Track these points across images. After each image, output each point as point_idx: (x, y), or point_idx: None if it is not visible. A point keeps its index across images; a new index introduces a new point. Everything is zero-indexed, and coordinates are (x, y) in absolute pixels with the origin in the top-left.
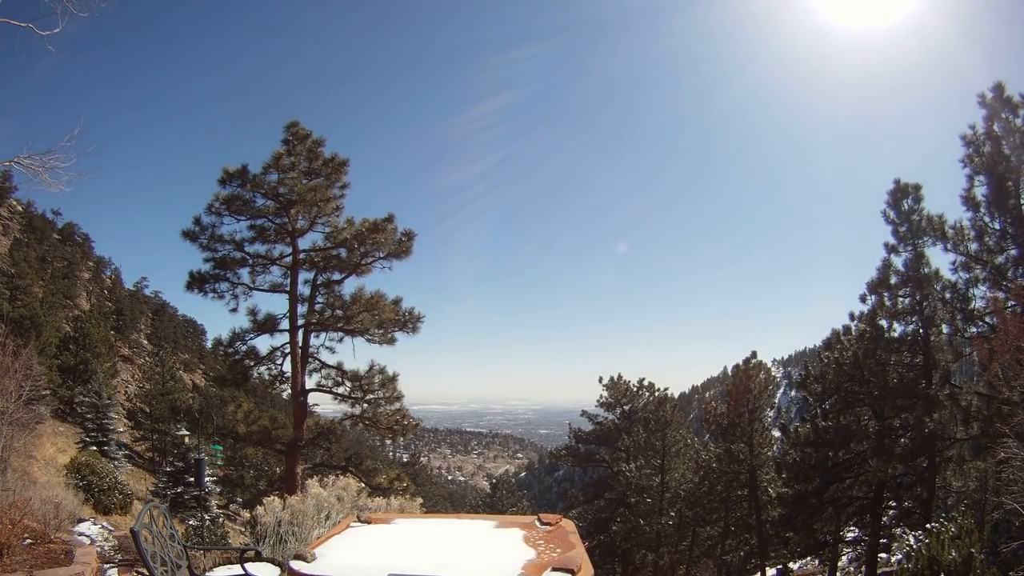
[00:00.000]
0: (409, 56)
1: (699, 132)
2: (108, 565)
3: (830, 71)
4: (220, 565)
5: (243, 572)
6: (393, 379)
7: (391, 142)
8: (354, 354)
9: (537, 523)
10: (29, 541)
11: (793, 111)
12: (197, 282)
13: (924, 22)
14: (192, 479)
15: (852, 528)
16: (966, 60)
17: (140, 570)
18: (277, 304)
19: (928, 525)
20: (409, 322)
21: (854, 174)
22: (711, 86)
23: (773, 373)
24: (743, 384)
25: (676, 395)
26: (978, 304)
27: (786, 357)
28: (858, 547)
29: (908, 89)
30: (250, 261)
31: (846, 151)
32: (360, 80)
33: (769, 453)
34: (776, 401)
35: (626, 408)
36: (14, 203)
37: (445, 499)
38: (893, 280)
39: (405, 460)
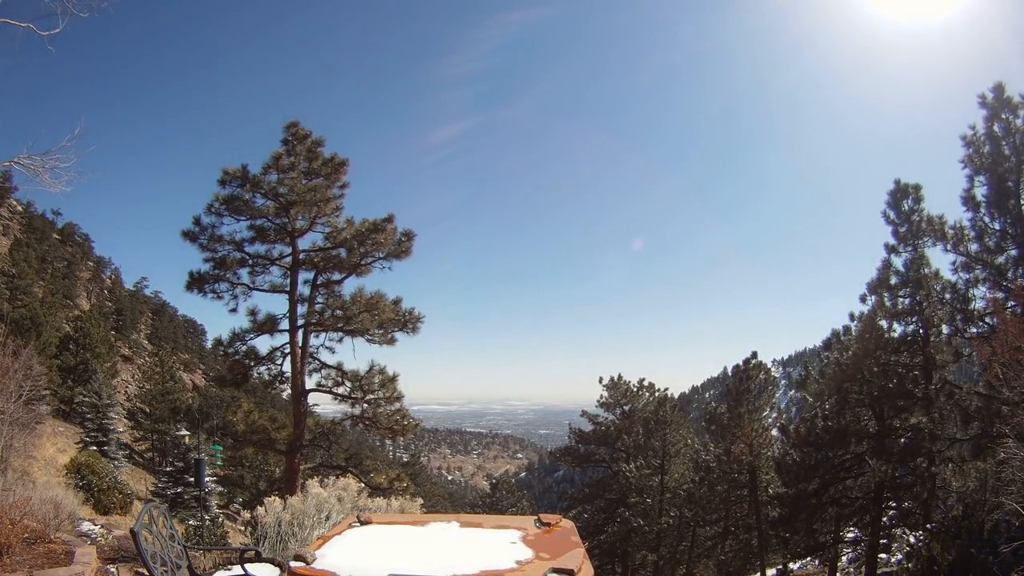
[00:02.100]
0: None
1: (714, 132)
2: (110, 565)
3: (872, 70)
4: (220, 566)
5: (243, 572)
6: (393, 379)
7: (393, 137)
8: (354, 354)
9: (537, 523)
10: (29, 541)
11: (816, 107)
12: (197, 282)
13: (975, 21)
14: (192, 479)
15: (852, 528)
16: (1014, 55)
17: (140, 570)
18: (277, 304)
19: (928, 525)
20: (409, 322)
21: (863, 174)
22: (739, 86)
23: (773, 373)
24: (743, 384)
25: (676, 395)
26: (978, 304)
27: (786, 357)
28: (858, 547)
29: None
30: (250, 261)
31: (867, 151)
32: (367, 75)
33: (769, 453)
34: (776, 401)
35: (626, 408)
36: (14, 203)
37: (445, 499)
38: (893, 280)
39: (405, 460)
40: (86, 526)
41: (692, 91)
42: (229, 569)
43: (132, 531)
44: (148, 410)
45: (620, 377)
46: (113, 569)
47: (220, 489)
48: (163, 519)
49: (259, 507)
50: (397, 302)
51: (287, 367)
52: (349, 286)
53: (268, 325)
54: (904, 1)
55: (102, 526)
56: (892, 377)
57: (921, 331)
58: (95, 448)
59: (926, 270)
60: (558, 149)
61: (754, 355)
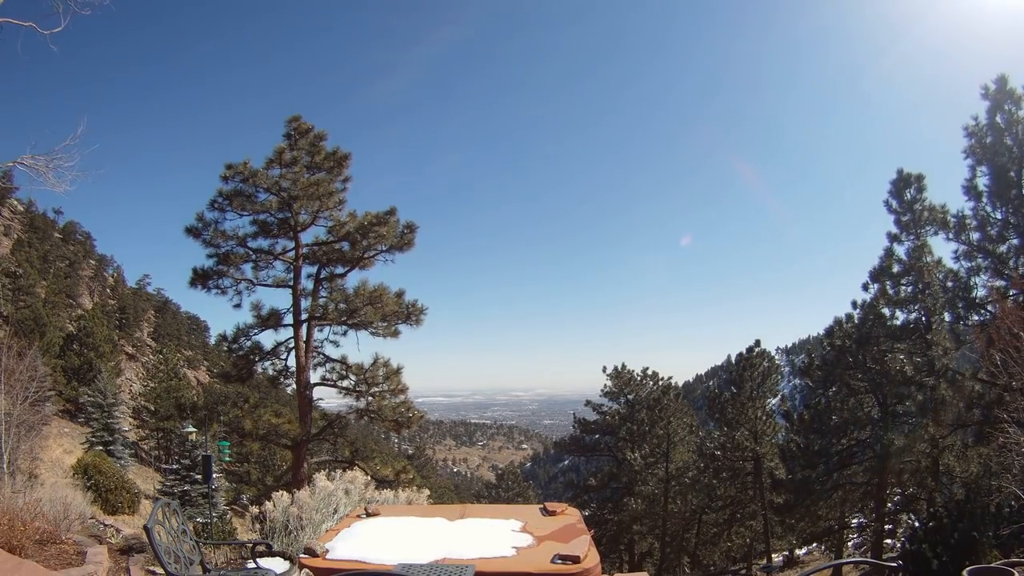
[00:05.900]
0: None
1: (715, 132)
2: (122, 563)
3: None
4: (231, 560)
5: (255, 566)
6: (397, 372)
7: (395, 134)
8: (358, 347)
9: (542, 511)
10: (40, 542)
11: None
12: (200, 278)
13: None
14: (199, 476)
15: (857, 514)
16: None
17: (152, 567)
18: (281, 299)
19: (931, 510)
20: (412, 315)
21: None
22: (775, 84)
23: (776, 361)
24: (746, 372)
25: (680, 384)
26: (979, 292)
27: (789, 345)
28: (863, 532)
29: None
30: (253, 256)
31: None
32: (368, 71)
33: (773, 441)
34: (780, 388)
35: (630, 397)
36: (15, 203)
37: (451, 490)
38: (895, 269)
39: (410, 452)
40: (96, 526)
41: (694, 91)
42: (240, 563)
43: (146, 527)
44: (153, 408)
45: (624, 366)
46: (125, 567)
47: (227, 485)
48: (175, 516)
49: (267, 502)
50: (400, 295)
51: (292, 362)
52: (352, 279)
53: (272, 320)
54: None
55: (111, 525)
56: (894, 364)
57: (923, 319)
58: (101, 448)
59: (928, 258)
60: (563, 142)
61: (757, 343)
